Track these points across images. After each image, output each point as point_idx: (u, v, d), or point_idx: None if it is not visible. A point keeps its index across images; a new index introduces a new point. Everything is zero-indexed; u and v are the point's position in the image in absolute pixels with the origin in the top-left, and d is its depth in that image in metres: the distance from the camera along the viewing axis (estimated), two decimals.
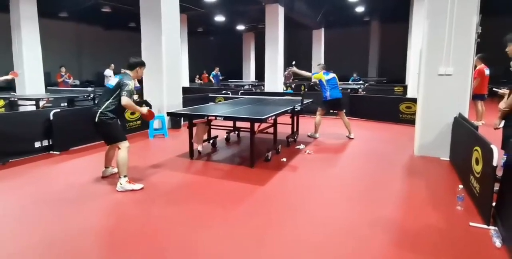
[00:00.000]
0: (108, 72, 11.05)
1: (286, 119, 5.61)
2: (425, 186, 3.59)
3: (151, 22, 6.54)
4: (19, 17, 8.35)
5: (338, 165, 4.50)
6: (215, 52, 22.12)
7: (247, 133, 4.73)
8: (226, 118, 4.27)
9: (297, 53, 19.62)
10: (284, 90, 12.02)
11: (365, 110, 8.21)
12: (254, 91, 11.51)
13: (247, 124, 4.32)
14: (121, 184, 3.41)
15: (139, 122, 6.62)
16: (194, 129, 4.71)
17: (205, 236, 2.50)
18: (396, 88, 13.18)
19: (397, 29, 16.22)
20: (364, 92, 12.61)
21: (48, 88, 9.47)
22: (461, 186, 3.03)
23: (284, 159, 4.56)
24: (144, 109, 3.68)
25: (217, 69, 15.43)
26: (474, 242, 2.40)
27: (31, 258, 2.25)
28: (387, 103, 7.98)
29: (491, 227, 2.54)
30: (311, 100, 6.08)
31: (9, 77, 5.64)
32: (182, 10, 7.55)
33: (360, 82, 14.00)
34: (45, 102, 7.50)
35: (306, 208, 3.04)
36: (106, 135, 3.55)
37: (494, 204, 2.64)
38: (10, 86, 8.63)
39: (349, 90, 11.81)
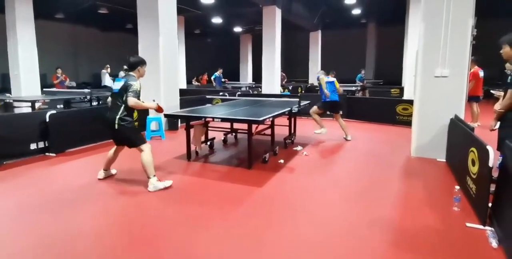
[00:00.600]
0: (103, 72, 11.40)
1: (284, 120, 5.62)
2: (422, 187, 3.60)
3: (148, 23, 6.53)
4: (14, 17, 8.29)
5: (336, 166, 4.50)
6: (213, 54, 22.12)
7: (245, 134, 4.73)
8: (223, 119, 4.26)
9: (295, 55, 19.71)
10: (281, 92, 12.05)
11: (362, 112, 8.25)
12: (251, 92, 11.51)
13: (244, 126, 4.32)
14: (153, 184, 3.44)
15: (136, 124, 6.55)
16: (192, 130, 4.70)
17: (203, 238, 2.50)
18: (393, 90, 13.26)
19: (393, 31, 16.32)
20: (360, 94, 12.69)
21: (44, 89, 9.41)
22: (457, 187, 3.05)
23: (282, 161, 4.56)
24: (154, 104, 3.69)
25: (220, 70, 14.20)
26: (470, 243, 2.42)
27: None
28: (383, 104, 8.03)
29: (488, 228, 2.56)
30: (308, 101, 6.09)
31: None
32: (179, 11, 7.56)
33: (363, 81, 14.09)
34: (41, 103, 7.45)
35: (304, 209, 3.04)
36: (128, 140, 3.56)
37: (490, 204, 2.66)
38: (5, 87, 8.56)
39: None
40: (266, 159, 4.48)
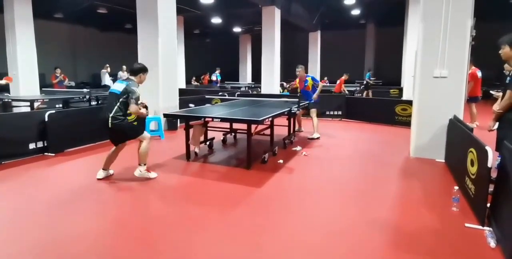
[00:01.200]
0: (103, 72, 11.44)
1: (283, 121, 5.63)
2: (421, 188, 3.61)
3: (147, 23, 6.52)
4: (13, 17, 8.26)
5: (335, 167, 4.51)
6: (212, 54, 22.12)
7: (244, 134, 4.73)
8: (223, 119, 4.26)
9: (294, 55, 19.70)
10: (280, 92, 12.06)
11: (361, 112, 8.26)
12: (250, 93, 11.52)
13: (244, 126, 4.32)
14: (140, 171, 3.76)
15: (135, 123, 6.55)
16: (191, 130, 4.70)
17: (202, 238, 2.49)
18: (392, 90, 13.28)
19: (392, 32, 16.35)
20: (360, 94, 12.70)
21: (43, 89, 9.39)
22: (456, 188, 3.06)
23: (281, 161, 4.56)
24: (145, 112, 3.84)
25: (218, 70, 14.86)
26: (469, 243, 2.42)
27: None
28: (383, 105, 8.04)
29: (486, 228, 2.57)
30: (307, 102, 6.10)
31: (3, 82, 5.59)
32: (179, 11, 7.55)
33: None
34: (40, 103, 7.43)
35: (303, 209, 3.05)
36: (126, 134, 3.69)
37: (488, 205, 2.66)
38: (4, 87, 8.54)
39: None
40: (266, 159, 4.48)
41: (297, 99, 5.53)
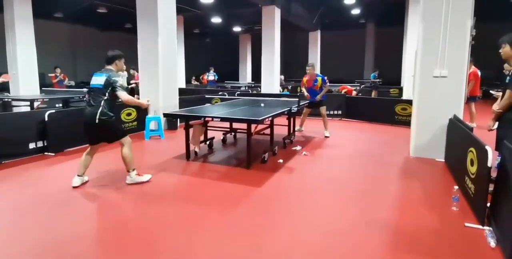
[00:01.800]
0: None
1: (283, 120, 5.63)
2: (420, 187, 3.61)
3: (147, 23, 6.52)
4: (13, 17, 8.26)
5: (335, 166, 4.51)
6: (212, 54, 22.12)
7: (244, 134, 4.73)
8: (223, 119, 4.26)
9: (294, 55, 19.71)
10: (280, 91, 12.06)
11: (361, 112, 8.26)
12: (250, 92, 11.53)
13: (243, 126, 4.32)
14: (131, 177, 3.59)
15: (135, 123, 6.59)
16: (191, 130, 4.70)
17: (202, 238, 2.50)
18: (392, 90, 13.27)
19: (392, 32, 16.34)
20: (360, 94, 12.69)
21: (43, 89, 9.39)
22: (456, 187, 3.06)
23: (281, 161, 4.56)
24: (146, 102, 3.71)
25: (212, 69, 15.19)
26: (469, 242, 2.43)
27: None
28: (382, 104, 8.04)
29: (486, 228, 2.57)
30: (307, 101, 6.10)
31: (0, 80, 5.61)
32: (179, 11, 7.54)
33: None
34: (39, 103, 7.44)
35: (303, 209, 3.05)
36: (109, 134, 3.50)
37: (488, 204, 2.66)
38: (3, 86, 8.54)
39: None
40: (265, 159, 4.48)
41: (297, 99, 5.52)
